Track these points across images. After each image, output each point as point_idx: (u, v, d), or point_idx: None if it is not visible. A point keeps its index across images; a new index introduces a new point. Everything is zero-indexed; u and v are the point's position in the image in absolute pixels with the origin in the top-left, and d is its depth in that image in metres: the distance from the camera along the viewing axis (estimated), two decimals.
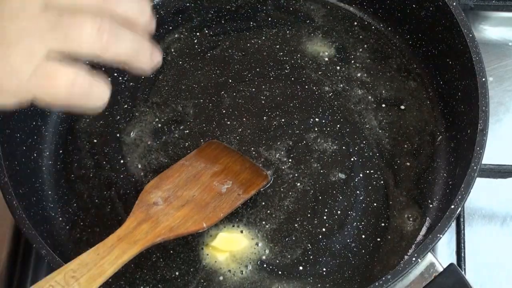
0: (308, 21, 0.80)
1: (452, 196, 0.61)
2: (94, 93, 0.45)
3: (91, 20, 0.43)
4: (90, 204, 0.72)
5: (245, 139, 0.73)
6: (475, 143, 0.62)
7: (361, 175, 0.71)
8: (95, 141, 0.75)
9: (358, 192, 0.70)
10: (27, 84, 0.43)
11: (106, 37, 0.43)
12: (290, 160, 0.72)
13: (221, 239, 0.68)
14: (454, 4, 0.67)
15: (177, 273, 0.68)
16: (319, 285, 0.66)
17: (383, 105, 0.74)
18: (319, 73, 0.76)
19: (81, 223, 0.71)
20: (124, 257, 0.59)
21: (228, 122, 0.74)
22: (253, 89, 0.75)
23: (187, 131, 0.74)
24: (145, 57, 0.47)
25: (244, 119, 0.74)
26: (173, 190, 0.67)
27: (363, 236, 0.68)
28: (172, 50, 0.79)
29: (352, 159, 0.71)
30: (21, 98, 0.44)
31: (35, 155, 0.72)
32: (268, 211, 0.70)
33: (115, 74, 0.77)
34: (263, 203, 0.70)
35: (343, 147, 0.72)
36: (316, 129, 0.73)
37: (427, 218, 0.68)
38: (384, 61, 0.75)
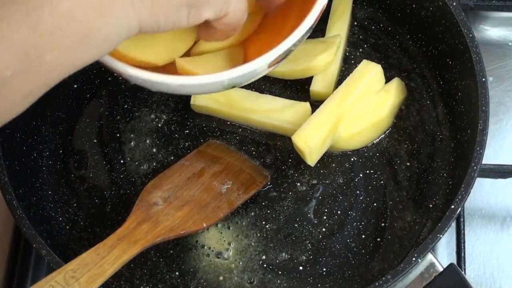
0: None
1: (452, 196, 0.61)
2: None
3: None
4: (90, 204, 0.72)
5: (245, 139, 0.73)
6: (475, 143, 0.62)
7: (361, 175, 0.71)
8: (95, 141, 0.75)
9: (358, 192, 0.70)
10: None
11: None
12: (290, 160, 0.72)
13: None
14: (454, 4, 0.67)
15: (177, 273, 0.68)
16: (319, 285, 0.66)
17: None
18: None
19: (81, 223, 0.71)
20: (124, 257, 0.59)
21: (228, 122, 0.74)
22: (253, 89, 0.75)
23: (187, 131, 0.74)
24: None
25: None
26: (173, 190, 0.67)
27: (363, 236, 0.68)
28: None
29: (352, 159, 0.71)
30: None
31: (35, 155, 0.72)
32: (268, 211, 0.70)
33: (115, 74, 0.77)
34: (263, 203, 0.70)
35: None
36: None
37: (427, 218, 0.68)
38: (384, 61, 0.75)
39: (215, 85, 0.52)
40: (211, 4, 0.47)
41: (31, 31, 0.39)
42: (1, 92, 0.39)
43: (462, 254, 0.69)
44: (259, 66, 0.52)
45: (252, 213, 0.70)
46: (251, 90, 0.74)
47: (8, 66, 0.38)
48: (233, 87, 0.54)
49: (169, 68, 0.59)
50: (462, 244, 0.69)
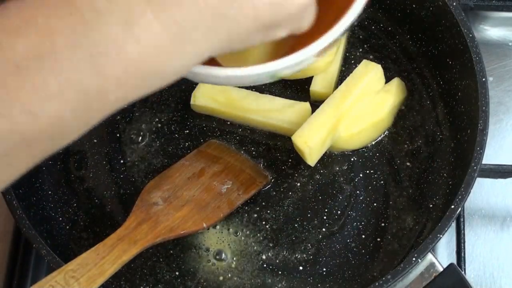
0: None
1: (452, 196, 0.61)
2: None
3: None
4: (90, 204, 0.72)
5: (245, 139, 0.73)
6: (475, 143, 0.62)
7: (361, 175, 0.71)
8: (95, 141, 0.75)
9: (358, 192, 0.70)
10: None
11: None
12: (290, 160, 0.72)
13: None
14: (454, 4, 0.67)
15: (177, 273, 0.68)
16: (319, 285, 0.66)
17: None
18: None
19: (81, 223, 0.71)
20: (124, 257, 0.59)
21: (228, 122, 0.74)
22: (253, 89, 0.75)
23: (187, 131, 0.74)
24: None
25: None
26: (173, 190, 0.67)
27: (363, 236, 0.68)
28: None
29: (352, 159, 0.71)
30: None
31: None
32: (268, 211, 0.70)
33: None
34: (263, 203, 0.70)
35: None
36: None
37: (427, 218, 0.68)
38: (384, 61, 0.75)
39: (263, 75, 0.50)
40: (288, 25, 0.45)
41: (96, 75, 0.37)
42: (57, 129, 0.38)
43: (462, 254, 0.69)
44: (310, 54, 0.49)
45: (252, 213, 0.70)
46: (251, 90, 0.74)
47: (67, 108, 0.37)
48: (281, 77, 0.53)
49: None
50: (462, 244, 0.69)
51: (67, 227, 0.71)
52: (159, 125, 0.75)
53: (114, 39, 0.37)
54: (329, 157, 0.71)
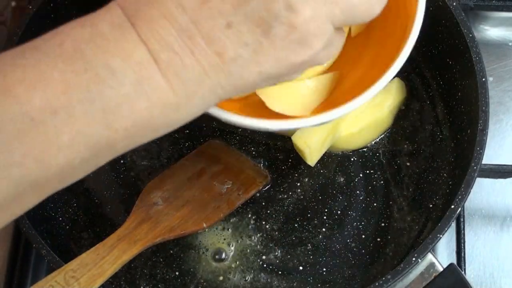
0: None
1: (452, 196, 0.61)
2: None
3: None
4: (90, 204, 0.72)
5: (245, 139, 0.73)
6: (475, 143, 0.61)
7: (361, 175, 0.71)
8: None
9: (358, 192, 0.70)
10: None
11: None
12: (290, 160, 0.72)
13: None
14: (454, 4, 0.67)
15: (177, 273, 0.68)
16: (319, 285, 0.66)
17: None
18: None
19: (81, 223, 0.71)
20: (124, 257, 0.59)
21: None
22: None
23: (187, 131, 0.74)
24: None
25: None
26: (173, 190, 0.67)
27: (363, 236, 0.68)
28: None
29: (352, 159, 0.71)
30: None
31: None
32: (268, 211, 0.70)
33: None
34: (263, 203, 0.70)
35: None
36: None
37: (427, 218, 0.68)
38: None
39: (317, 124, 0.49)
40: (300, 70, 0.44)
41: (106, 128, 0.39)
42: (66, 174, 0.40)
43: (462, 254, 0.69)
44: (371, 95, 0.48)
45: (252, 213, 0.70)
46: None
47: (77, 157, 0.39)
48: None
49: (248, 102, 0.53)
50: (462, 244, 0.69)
51: (67, 227, 0.71)
52: None
53: (126, 96, 0.38)
54: (329, 157, 0.71)
